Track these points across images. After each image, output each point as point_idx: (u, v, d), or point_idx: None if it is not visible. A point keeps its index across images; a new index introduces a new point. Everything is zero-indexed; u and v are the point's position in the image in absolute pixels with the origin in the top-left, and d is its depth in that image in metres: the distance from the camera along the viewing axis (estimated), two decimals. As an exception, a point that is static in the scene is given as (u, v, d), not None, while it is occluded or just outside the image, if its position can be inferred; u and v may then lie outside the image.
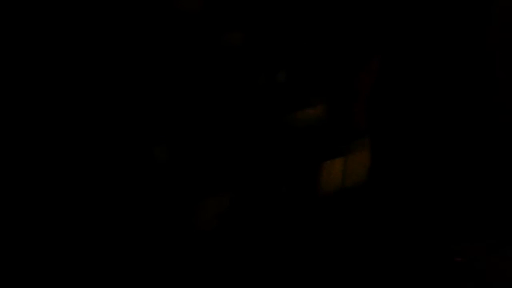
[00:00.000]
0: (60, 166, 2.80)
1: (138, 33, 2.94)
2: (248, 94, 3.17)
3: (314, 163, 3.06)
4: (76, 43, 2.82)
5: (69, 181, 2.80)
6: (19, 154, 2.74)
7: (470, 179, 3.25)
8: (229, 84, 3.22)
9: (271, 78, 3.20)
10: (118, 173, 2.89)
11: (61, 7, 2.78)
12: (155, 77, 2.94)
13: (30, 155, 2.76)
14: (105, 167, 2.91)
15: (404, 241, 2.97)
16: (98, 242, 2.72)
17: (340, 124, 3.24)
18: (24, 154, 2.75)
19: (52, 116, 2.81)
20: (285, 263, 2.82)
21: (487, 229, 3.03)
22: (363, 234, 2.97)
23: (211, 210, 2.78)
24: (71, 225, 2.73)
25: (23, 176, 2.74)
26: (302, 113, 3.18)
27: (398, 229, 3.00)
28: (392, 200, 3.10)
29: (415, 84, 3.35)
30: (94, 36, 2.85)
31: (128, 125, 2.98)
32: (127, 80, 2.98)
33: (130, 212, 2.80)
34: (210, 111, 3.06)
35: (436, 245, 2.94)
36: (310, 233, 2.98)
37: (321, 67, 3.30)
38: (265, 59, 3.26)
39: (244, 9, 3.34)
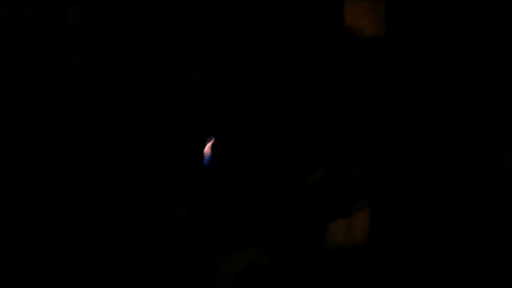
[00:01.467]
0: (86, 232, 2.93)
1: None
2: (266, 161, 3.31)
3: (321, 223, 3.19)
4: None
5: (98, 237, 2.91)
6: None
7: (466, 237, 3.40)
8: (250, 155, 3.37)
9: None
10: (139, 233, 2.98)
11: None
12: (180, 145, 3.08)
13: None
14: (127, 228, 3.01)
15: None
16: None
17: (342, 188, 3.41)
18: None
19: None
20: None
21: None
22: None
23: (229, 268, 2.89)
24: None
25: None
26: (311, 174, 3.34)
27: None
28: (393, 258, 3.24)
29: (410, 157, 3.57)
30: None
31: (151, 187, 3.09)
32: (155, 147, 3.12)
33: (149, 269, 2.90)
34: (230, 175, 3.21)
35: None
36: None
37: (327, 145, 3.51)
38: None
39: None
